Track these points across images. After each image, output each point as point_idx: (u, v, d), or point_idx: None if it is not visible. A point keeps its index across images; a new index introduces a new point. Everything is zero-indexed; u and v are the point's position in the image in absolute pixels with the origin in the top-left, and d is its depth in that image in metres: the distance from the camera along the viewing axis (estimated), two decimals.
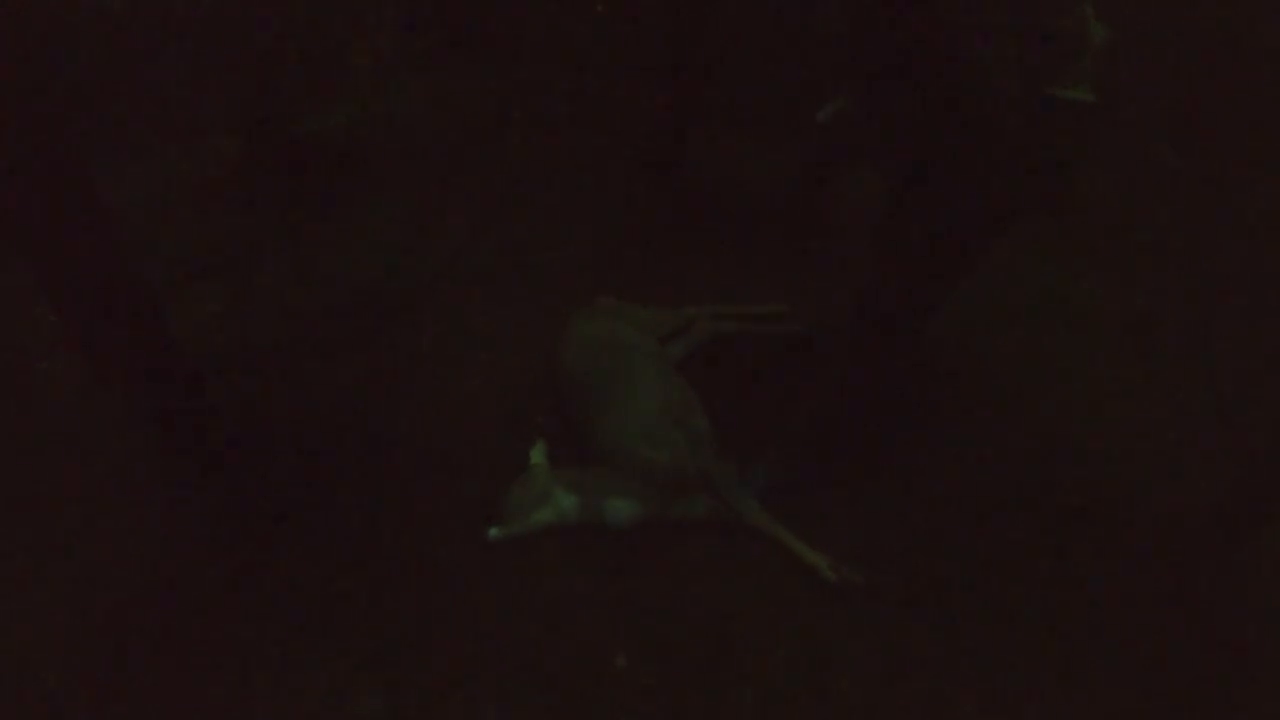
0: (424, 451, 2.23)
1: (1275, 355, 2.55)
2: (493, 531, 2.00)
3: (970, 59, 1.45)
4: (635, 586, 1.97)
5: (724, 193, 3.09)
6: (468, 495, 2.12)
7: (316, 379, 2.41)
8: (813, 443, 2.12)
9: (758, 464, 2.13)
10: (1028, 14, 1.45)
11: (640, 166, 3.13)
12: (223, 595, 1.93)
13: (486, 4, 3.64)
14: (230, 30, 2.97)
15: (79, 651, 1.84)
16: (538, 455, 2.17)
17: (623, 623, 1.90)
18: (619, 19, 3.49)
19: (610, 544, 2.04)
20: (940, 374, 2.46)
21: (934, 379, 2.44)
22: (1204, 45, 3.09)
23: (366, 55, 3.35)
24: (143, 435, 2.17)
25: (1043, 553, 2.06)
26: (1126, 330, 2.65)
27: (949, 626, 1.92)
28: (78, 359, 2.10)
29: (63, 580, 1.96)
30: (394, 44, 3.47)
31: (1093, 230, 2.99)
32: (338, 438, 2.26)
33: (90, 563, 1.99)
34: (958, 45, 1.45)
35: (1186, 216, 3.04)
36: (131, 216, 2.82)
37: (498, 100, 3.42)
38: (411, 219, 2.95)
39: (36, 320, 2.51)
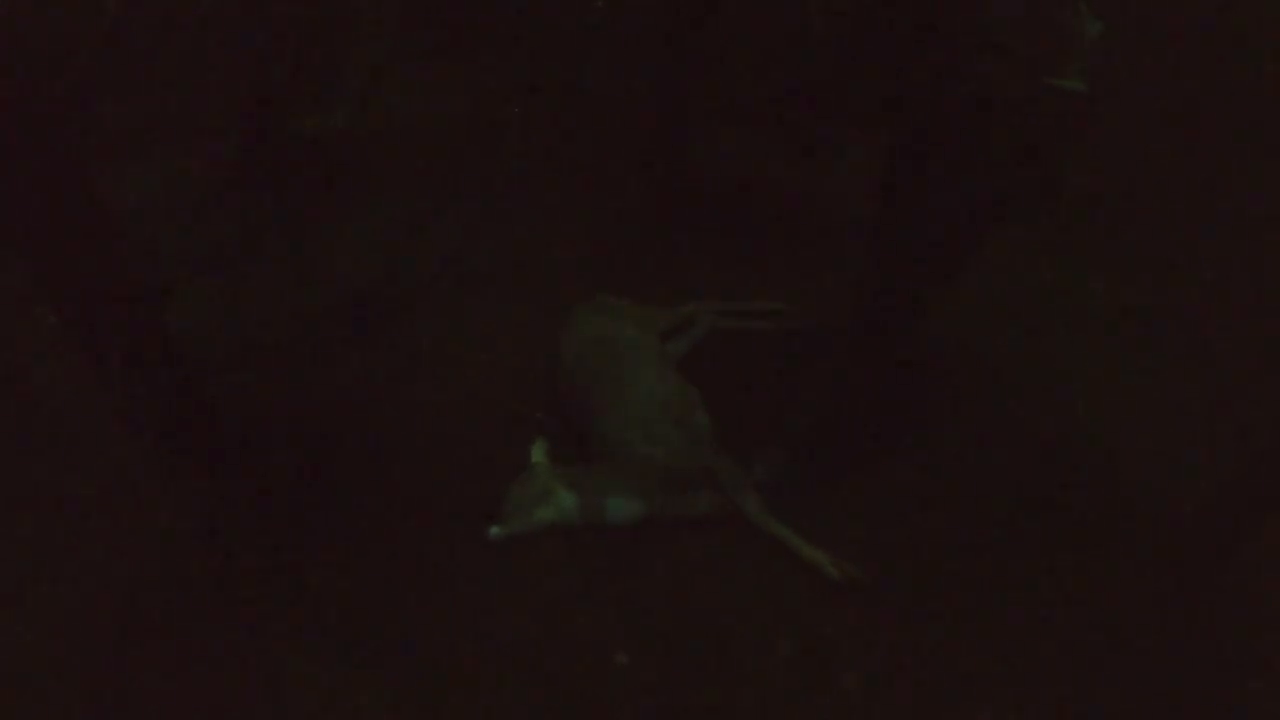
0: (424, 451, 2.23)
1: (1275, 353, 2.55)
2: (493, 530, 2.00)
3: (968, 47, 1.46)
4: (636, 585, 1.97)
5: (724, 191, 3.09)
6: (468, 494, 2.11)
7: (316, 379, 2.41)
8: (813, 440, 2.12)
9: (759, 461, 2.13)
10: (1027, 5, 1.46)
11: (640, 166, 3.13)
12: (223, 595, 1.93)
13: (485, 2, 3.64)
14: (229, 30, 2.97)
15: (79, 651, 1.84)
16: (538, 454, 2.17)
17: (624, 621, 1.90)
18: (618, 17, 3.49)
19: (611, 542, 2.04)
20: (940, 373, 2.46)
21: (934, 378, 2.44)
22: (1204, 42, 3.09)
23: (365, 55, 3.35)
24: (143, 435, 2.17)
25: (1043, 551, 2.06)
26: (1126, 328, 2.65)
27: (950, 624, 1.92)
28: (78, 359, 2.10)
29: (63, 580, 1.95)
30: (392, 43, 3.47)
31: (1093, 228, 2.99)
32: (338, 438, 2.26)
33: (90, 563, 1.98)
34: (957, 34, 1.45)
35: (1187, 214, 3.04)
36: (131, 216, 2.81)
37: (497, 100, 3.42)
38: (410, 219, 2.95)
39: (36, 320, 2.51)
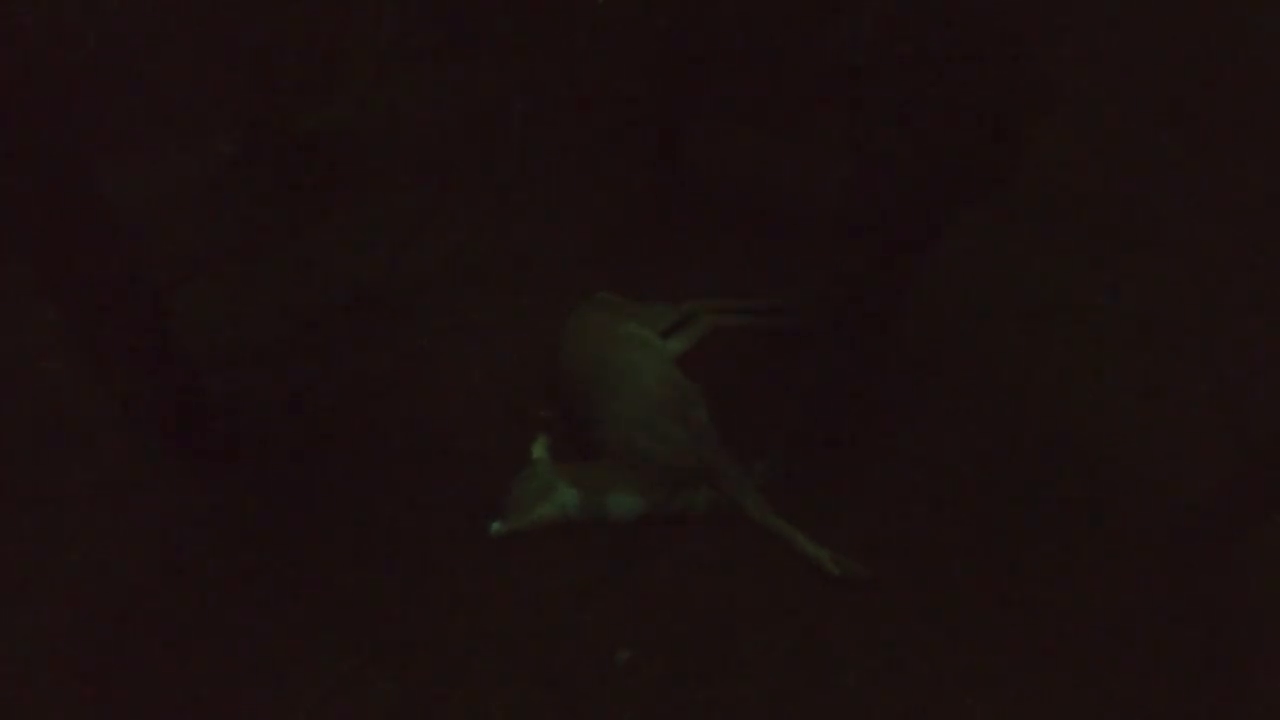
0: (425, 448, 2.23)
1: (1275, 353, 2.55)
2: (495, 527, 2.00)
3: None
4: (637, 582, 1.97)
5: (723, 187, 3.10)
6: (470, 491, 2.12)
7: (317, 378, 2.41)
8: (813, 436, 2.12)
9: (759, 460, 2.13)
10: None
11: (640, 164, 3.13)
12: (226, 593, 1.93)
13: (485, 2, 3.65)
14: (229, 29, 2.97)
15: (79, 651, 1.83)
16: (540, 450, 2.17)
17: (625, 618, 1.91)
18: (618, 15, 3.49)
19: (612, 539, 2.04)
20: (943, 371, 2.47)
21: (937, 376, 2.45)
22: (1208, 39, 3.09)
23: (365, 53, 3.36)
24: (143, 434, 2.17)
25: (1045, 549, 2.06)
26: (1128, 326, 2.65)
27: (952, 622, 1.92)
28: (78, 358, 2.10)
29: (63, 579, 1.95)
30: (392, 42, 3.48)
31: (1093, 228, 2.99)
32: (339, 436, 2.25)
33: (91, 560, 1.98)
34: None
35: (1189, 211, 3.04)
36: (131, 216, 2.81)
37: (497, 98, 3.43)
38: (411, 217, 2.95)
39: (36, 320, 2.51)
